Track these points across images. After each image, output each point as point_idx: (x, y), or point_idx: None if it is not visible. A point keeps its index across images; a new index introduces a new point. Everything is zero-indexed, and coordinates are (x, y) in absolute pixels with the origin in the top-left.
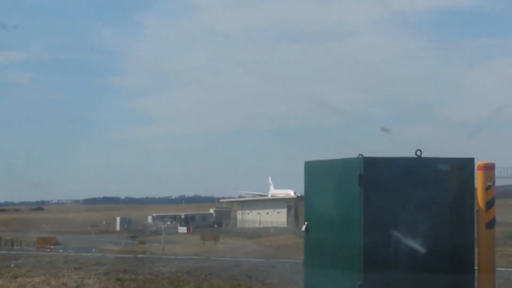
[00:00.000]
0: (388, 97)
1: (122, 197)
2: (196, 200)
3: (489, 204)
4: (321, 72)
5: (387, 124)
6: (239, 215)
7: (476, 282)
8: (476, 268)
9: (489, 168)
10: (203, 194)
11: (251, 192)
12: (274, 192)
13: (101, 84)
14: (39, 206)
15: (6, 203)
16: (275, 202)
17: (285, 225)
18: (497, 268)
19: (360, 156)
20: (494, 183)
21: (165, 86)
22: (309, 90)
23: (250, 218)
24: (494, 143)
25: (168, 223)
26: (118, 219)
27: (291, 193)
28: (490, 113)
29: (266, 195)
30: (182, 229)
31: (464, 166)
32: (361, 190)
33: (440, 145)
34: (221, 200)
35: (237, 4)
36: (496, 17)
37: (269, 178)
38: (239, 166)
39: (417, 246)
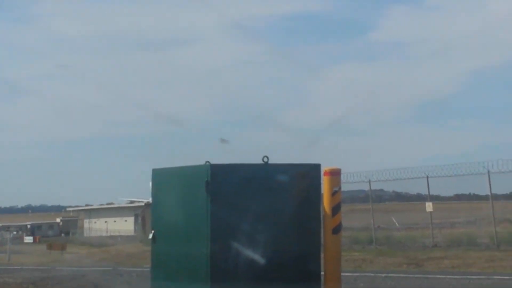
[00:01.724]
0: (234, 104)
1: None
2: (43, 209)
3: (335, 210)
4: (164, 80)
5: (232, 131)
6: (86, 223)
7: None
8: (322, 273)
9: (335, 174)
10: (49, 203)
11: (129, 199)
12: None
13: None
14: None
15: None
16: (122, 210)
17: (132, 233)
18: (343, 273)
19: (207, 163)
20: (340, 188)
21: (9, 95)
22: (152, 97)
23: (97, 226)
24: (340, 148)
25: (14, 233)
26: None
27: None
28: (332, 120)
29: (145, 201)
30: (29, 239)
31: (311, 172)
32: (208, 197)
33: (287, 151)
34: (68, 209)
35: (82, 12)
36: (340, 23)
37: (150, 183)
38: (87, 174)
39: (262, 254)
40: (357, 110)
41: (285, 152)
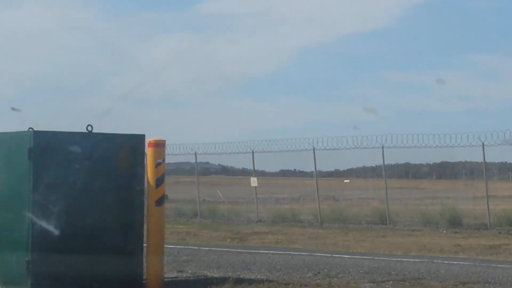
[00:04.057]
0: (59, 69)
1: None
2: None
3: (159, 181)
4: None
5: (57, 96)
6: None
7: (145, 260)
8: (145, 245)
9: (159, 145)
10: None
11: None
12: None
13: None
14: None
15: None
16: None
17: None
18: (166, 245)
19: (31, 129)
20: (164, 160)
21: None
22: None
23: None
24: (167, 119)
25: None
26: None
27: None
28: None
29: None
30: None
31: (135, 142)
32: (31, 164)
33: (115, 120)
34: None
35: None
36: None
37: None
38: None
39: (85, 223)
40: (185, 81)
41: (111, 121)
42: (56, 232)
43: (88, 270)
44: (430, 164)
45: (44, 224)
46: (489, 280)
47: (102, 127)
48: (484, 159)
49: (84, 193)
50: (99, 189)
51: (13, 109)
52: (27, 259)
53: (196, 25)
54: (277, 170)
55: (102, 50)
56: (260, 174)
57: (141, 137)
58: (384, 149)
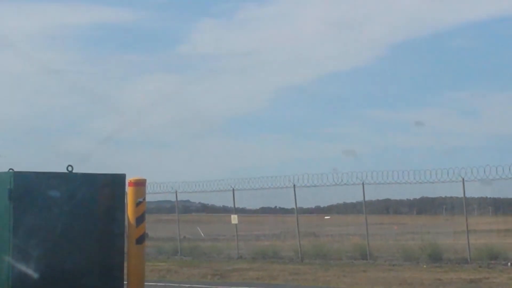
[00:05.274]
0: (37, 111)
1: None
2: None
3: (139, 220)
4: None
5: (35, 139)
6: None
7: None
8: (126, 283)
9: (140, 184)
10: None
11: None
12: None
13: None
14: None
15: None
16: None
17: None
18: (147, 283)
19: (11, 170)
20: (144, 198)
21: None
22: None
23: None
24: (147, 160)
25: None
26: None
27: None
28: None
29: None
30: None
31: (115, 182)
32: (11, 206)
33: (94, 160)
34: None
35: None
36: (149, 34)
37: None
38: None
39: (64, 267)
40: (165, 122)
41: (91, 160)
42: (35, 275)
43: None
44: (410, 199)
45: (23, 267)
46: None
47: (82, 168)
48: (464, 194)
49: (64, 236)
50: (78, 233)
51: None
52: None
53: (176, 66)
54: (257, 207)
55: (81, 92)
56: (241, 211)
57: (122, 177)
58: (364, 186)
